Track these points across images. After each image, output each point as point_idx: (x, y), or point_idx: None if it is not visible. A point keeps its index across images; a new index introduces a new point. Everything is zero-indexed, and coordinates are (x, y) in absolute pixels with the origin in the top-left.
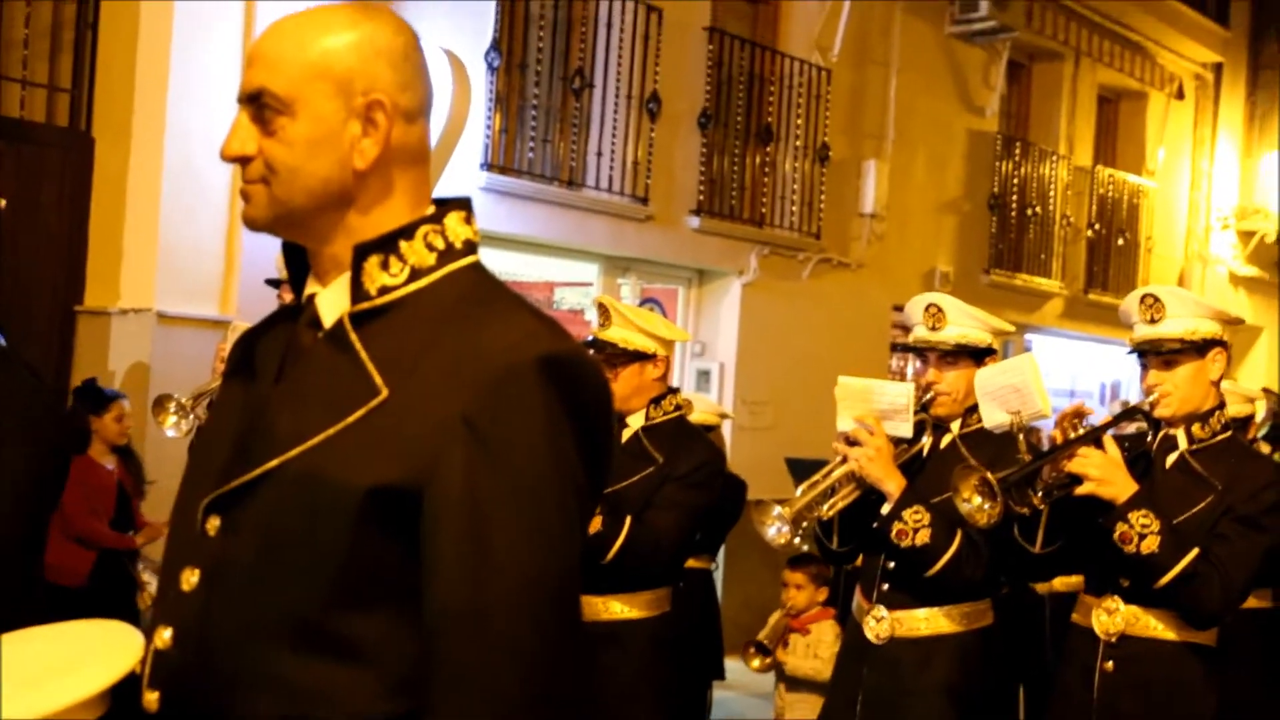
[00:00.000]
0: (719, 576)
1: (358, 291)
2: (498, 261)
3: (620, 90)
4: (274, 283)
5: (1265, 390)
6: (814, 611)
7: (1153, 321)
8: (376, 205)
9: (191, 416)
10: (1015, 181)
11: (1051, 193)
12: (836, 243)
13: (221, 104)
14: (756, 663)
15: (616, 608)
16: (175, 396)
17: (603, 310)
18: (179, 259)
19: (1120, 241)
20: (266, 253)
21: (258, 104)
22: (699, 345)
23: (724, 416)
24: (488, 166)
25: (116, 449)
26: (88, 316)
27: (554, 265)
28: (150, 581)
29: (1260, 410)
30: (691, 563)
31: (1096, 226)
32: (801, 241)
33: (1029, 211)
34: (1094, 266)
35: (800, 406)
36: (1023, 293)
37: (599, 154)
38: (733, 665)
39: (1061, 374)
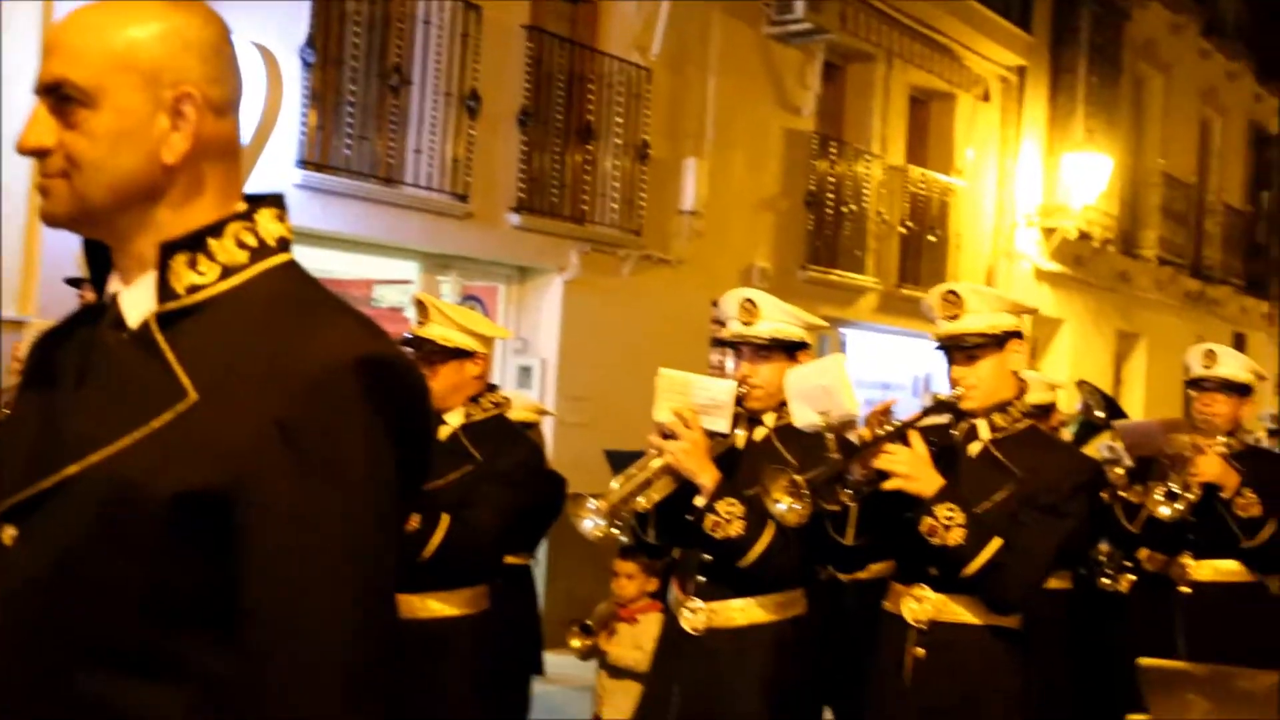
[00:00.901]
0: (540, 573)
1: (165, 291)
2: (315, 259)
3: (439, 87)
4: (75, 282)
5: (1080, 383)
6: (643, 602)
7: (953, 318)
8: (185, 202)
9: None
10: (831, 180)
11: (866, 191)
12: (657, 240)
13: (17, 97)
14: (577, 642)
15: (435, 605)
16: None
17: (421, 307)
18: None
19: (931, 238)
20: (68, 250)
21: (57, 95)
22: (520, 342)
23: (543, 413)
24: (303, 163)
25: None
26: None
27: (373, 263)
28: None
29: (1064, 399)
30: (510, 559)
31: (909, 224)
32: (622, 239)
33: (844, 209)
34: (906, 262)
35: (622, 402)
36: (838, 288)
37: (417, 151)
38: (555, 660)
39: (876, 367)
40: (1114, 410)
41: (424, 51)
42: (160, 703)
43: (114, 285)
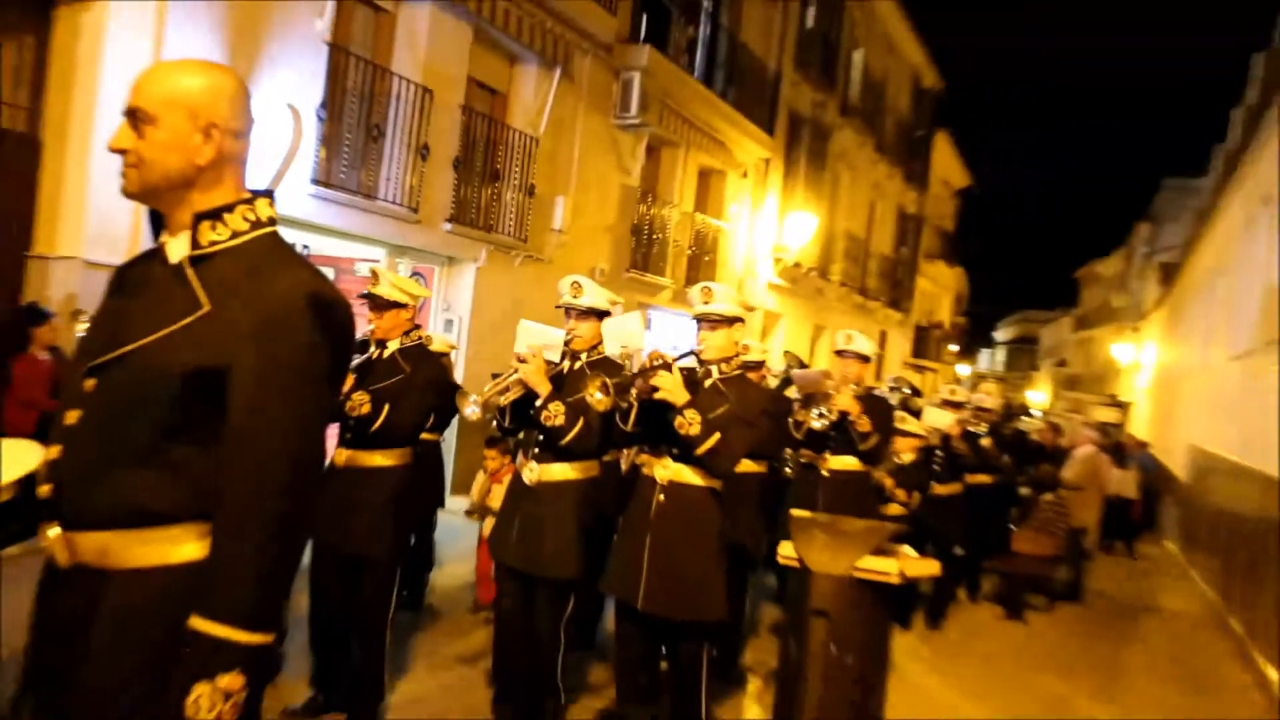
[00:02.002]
0: (449, 448)
1: (194, 243)
2: (322, 244)
3: (403, 140)
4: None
5: (786, 352)
6: (504, 470)
7: (706, 303)
8: (209, 189)
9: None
10: (647, 218)
11: (668, 226)
12: (536, 246)
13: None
14: (473, 515)
15: (378, 459)
16: (84, 310)
17: (374, 275)
18: (100, 224)
19: (707, 259)
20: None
21: (134, 116)
22: (447, 304)
23: (453, 348)
24: (316, 182)
25: (50, 348)
26: (35, 260)
27: (356, 248)
28: None
29: (777, 362)
30: (427, 436)
31: (693, 248)
32: (514, 244)
33: (655, 236)
34: (691, 272)
35: (508, 344)
36: (648, 285)
37: (388, 179)
38: (454, 502)
39: (668, 336)
40: (804, 368)
41: (395, 116)
42: (168, 486)
43: (164, 237)
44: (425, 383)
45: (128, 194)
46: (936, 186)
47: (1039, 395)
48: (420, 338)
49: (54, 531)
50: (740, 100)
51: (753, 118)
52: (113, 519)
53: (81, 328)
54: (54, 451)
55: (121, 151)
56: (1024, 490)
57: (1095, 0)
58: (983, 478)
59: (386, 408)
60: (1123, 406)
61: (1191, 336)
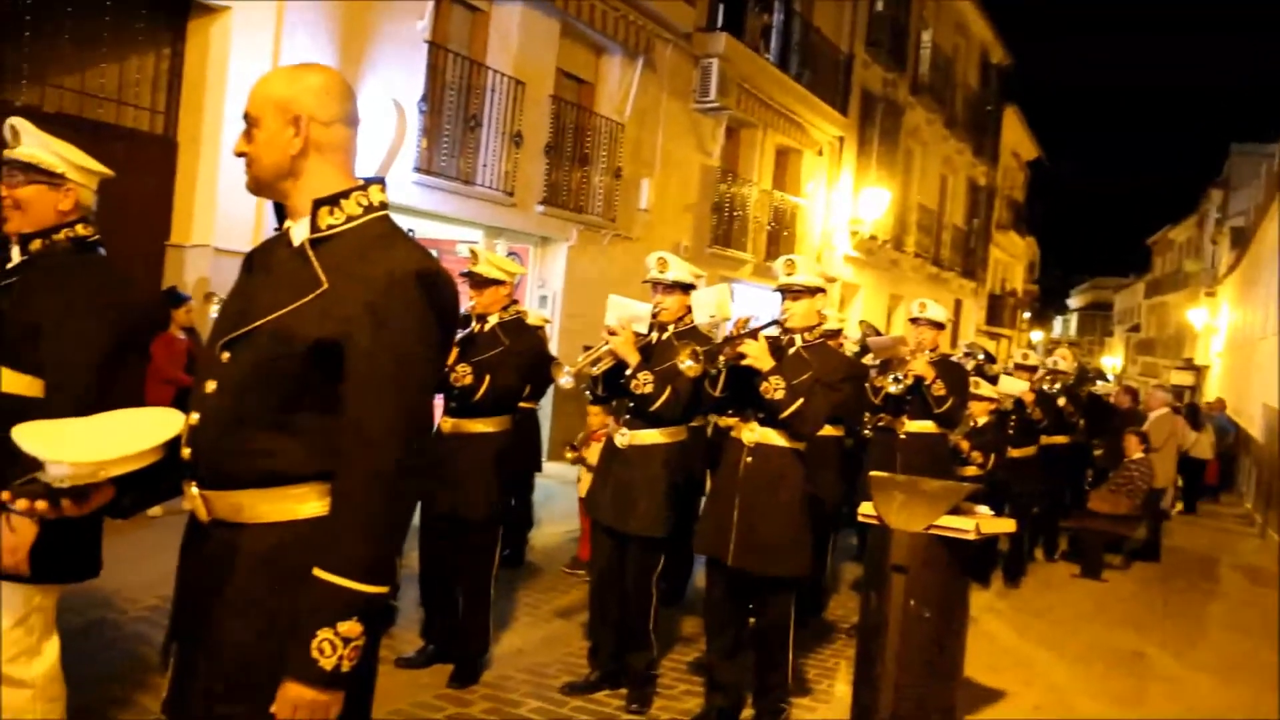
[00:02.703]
0: (546, 415)
1: (314, 227)
2: (424, 227)
3: (498, 129)
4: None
5: (862, 322)
6: (603, 430)
7: (789, 275)
8: (310, 176)
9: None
10: (728, 196)
11: (748, 204)
12: (624, 225)
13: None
14: (569, 454)
15: (480, 426)
16: (216, 294)
17: (473, 254)
18: (227, 214)
19: (785, 233)
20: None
21: (247, 122)
22: (541, 281)
23: (547, 321)
24: (418, 170)
25: (186, 328)
26: (173, 249)
27: (456, 230)
28: None
29: (855, 330)
30: (524, 404)
31: (772, 224)
32: (603, 224)
33: (735, 214)
34: (770, 246)
35: (598, 318)
36: (730, 260)
37: (484, 165)
38: (553, 467)
39: (749, 307)
40: (879, 335)
41: (490, 107)
42: (294, 449)
43: (286, 223)
44: (523, 354)
45: (250, 191)
46: (1006, 159)
47: (1113, 360)
48: (518, 312)
49: (194, 490)
50: (814, 82)
51: (826, 98)
52: (244, 479)
53: (215, 309)
54: (194, 418)
55: (241, 155)
56: (1098, 453)
57: None
58: (1058, 439)
59: (488, 378)
60: (1198, 370)
61: (1266, 300)
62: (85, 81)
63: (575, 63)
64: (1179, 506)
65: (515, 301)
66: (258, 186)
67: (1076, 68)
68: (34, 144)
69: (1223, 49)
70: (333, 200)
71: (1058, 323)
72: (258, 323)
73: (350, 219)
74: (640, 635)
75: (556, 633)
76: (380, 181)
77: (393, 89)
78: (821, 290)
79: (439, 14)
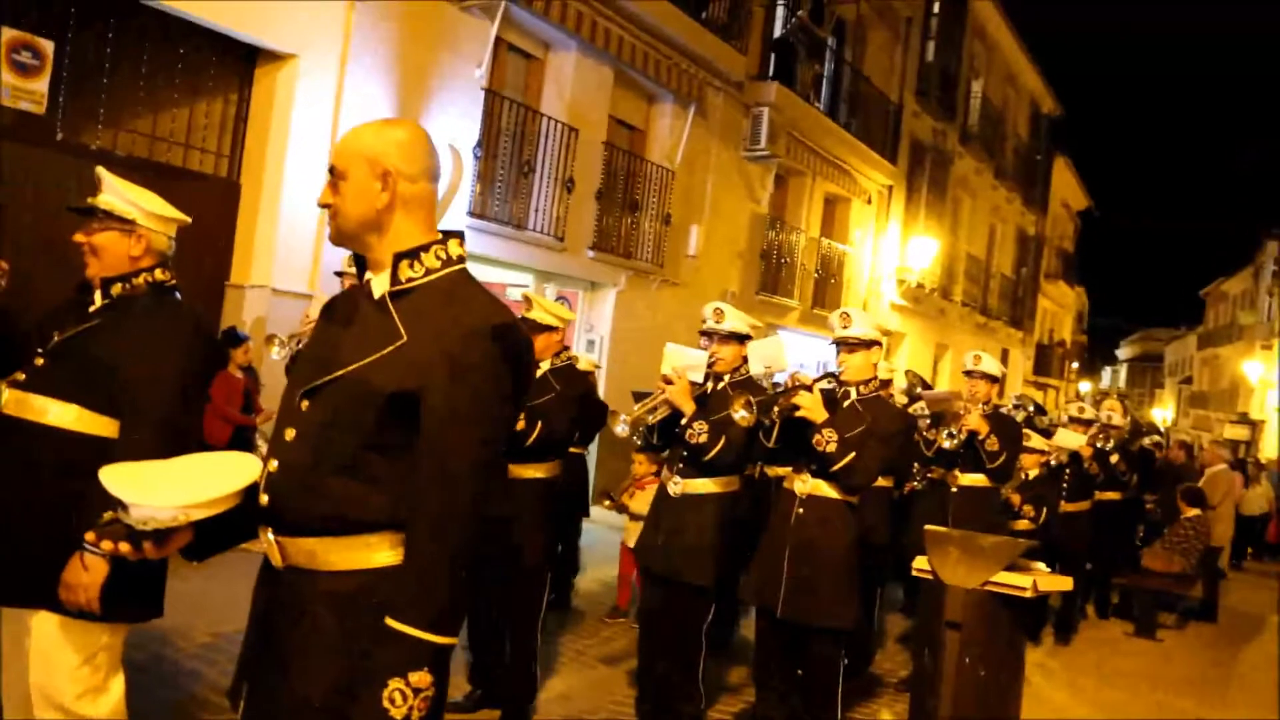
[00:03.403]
0: (592, 460)
1: (394, 280)
2: (477, 270)
3: (551, 175)
4: (339, 273)
5: (908, 372)
6: (649, 479)
7: (845, 327)
8: (394, 230)
9: (286, 348)
10: (776, 243)
11: (796, 251)
12: (672, 271)
13: (313, 167)
14: (606, 503)
15: (531, 471)
16: (277, 335)
17: (526, 301)
18: (286, 256)
19: (832, 280)
20: (335, 255)
21: (332, 174)
22: (590, 325)
23: (597, 367)
24: (471, 214)
25: (244, 367)
26: (232, 289)
27: (507, 274)
28: (261, 445)
29: (901, 380)
30: (573, 449)
31: (820, 271)
32: (652, 269)
33: (783, 260)
34: (818, 293)
35: (645, 363)
36: (777, 307)
37: (536, 211)
38: (597, 512)
39: (797, 354)
40: (927, 387)
41: (543, 153)
42: (370, 497)
43: (367, 275)
44: (574, 400)
45: (333, 242)
46: (1056, 208)
47: (1163, 413)
48: (569, 358)
49: (269, 536)
50: (863, 131)
51: (875, 147)
52: (320, 526)
53: (276, 351)
54: (272, 465)
55: (326, 206)
56: (1150, 507)
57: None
58: (1111, 494)
59: (539, 424)
60: (1253, 424)
61: None
62: (156, 126)
63: (627, 110)
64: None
65: (566, 347)
66: (341, 238)
67: (1128, 117)
68: (111, 192)
69: (1277, 95)
70: (413, 254)
71: (1106, 373)
72: (338, 373)
73: (429, 272)
74: (688, 684)
75: (603, 679)
76: (459, 235)
77: (450, 134)
78: (877, 343)
79: (496, 61)
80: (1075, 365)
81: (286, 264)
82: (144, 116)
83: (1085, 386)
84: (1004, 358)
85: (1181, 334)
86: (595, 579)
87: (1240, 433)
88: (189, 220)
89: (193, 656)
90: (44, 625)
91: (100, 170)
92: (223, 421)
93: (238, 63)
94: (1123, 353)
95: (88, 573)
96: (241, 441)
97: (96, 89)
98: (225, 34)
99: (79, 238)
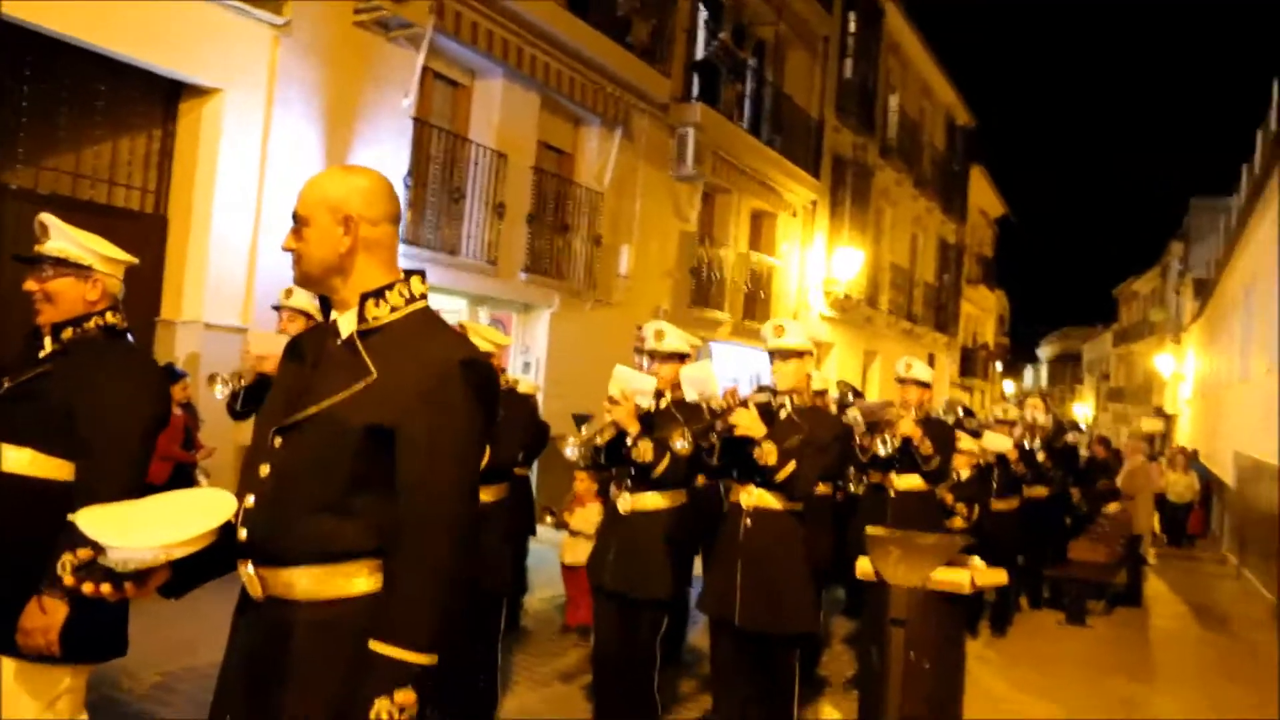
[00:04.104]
0: (534, 479)
1: (361, 319)
2: None
3: (481, 200)
4: (275, 307)
5: (840, 381)
6: (589, 495)
7: (778, 338)
8: (362, 271)
9: (228, 386)
10: (706, 259)
11: (725, 266)
12: (605, 291)
13: (242, 200)
14: (549, 519)
15: (482, 495)
16: (219, 374)
17: (460, 328)
18: (218, 290)
19: (761, 294)
20: (270, 288)
21: (296, 221)
22: (525, 347)
23: (538, 389)
24: (404, 241)
25: (182, 404)
26: (163, 324)
27: (442, 300)
28: (202, 480)
29: (834, 390)
30: (518, 471)
31: (749, 284)
32: (584, 290)
33: (713, 276)
34: (748, 307)
35: (581, 383)
36: (709, 321)
37: (468, 236)
38: (542, 531)
39: (730, 367)
40: (859, 395)
41: (473, 180)
42: (346, 528)
43: (334, 315)
44: (517, 423)
45: (298, 284)
46: (975, 216)
47: (1084, 409)
48: (507, 382)
49: (248, 569)
50: (787, 147)
51: (799, 163)
52: (299, 557)
53: (219, 389)
54: (249, 500)
55: (290, 250)
56: (1077, 501)
57: (1118, 30)
58: (1039, 490)
59: (488, 449)
60: (1168, 417)
61: (1230, 348)
62: (79, 163)
63: (555, 134)
64: (1153, 553)
65: (503, 371)
66: (306, 280)
67: (1039, 126)
68: (62, 238)
69: (1181, 104)
70: (378, 294)
71: (1029, 373)
72: (312, 410)
73: (394, 309)
74: (645, 697)
75: (559, 695)
76: (420, 273)
77: (379, 164)
78: (810, 352)
79: (423, 91)
80: (999, 366)
81: (218, 298)
82: (66, 154)
83: (1009, 386)
84: (930, 362)
85: (1098, 332)
86: (543, 598)
87: (1155, 425)
88: (137, 261)
89: (144, 698)
90: (3, 671)
91: (45, 216)
92: (162, 460)
93: (162, 97)
94: (1043, 352)
95: (47, 615)
96: (182, 478)
97: (15, 127)
98: (148, 69)
99: (30, 286)
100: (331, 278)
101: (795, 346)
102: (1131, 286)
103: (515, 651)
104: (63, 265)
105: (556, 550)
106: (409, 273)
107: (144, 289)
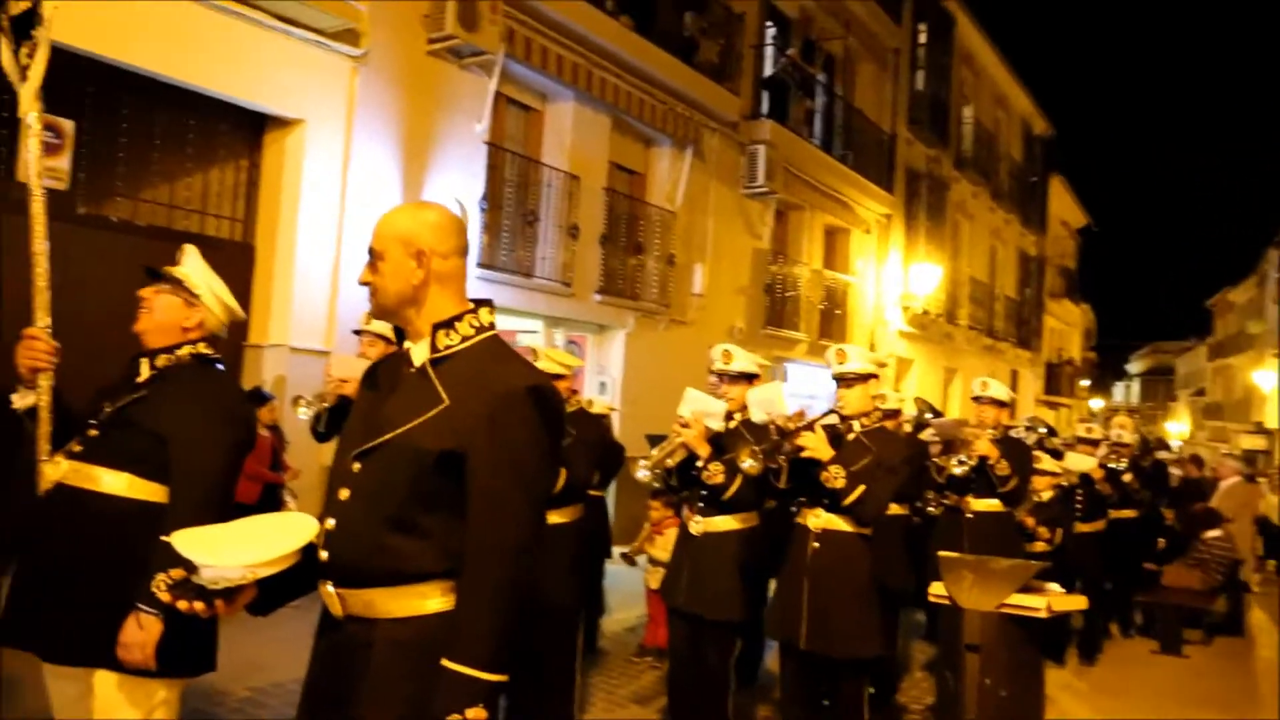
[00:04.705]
0: (611, 500)
1: (433, 348)
2: None
3: (555, 222)
4: (356, 331)
5: (917, 399)
6: (666, 523)
7: (840, 364)
8: (430, 303)
9: (312, 408)
10: (779, 277)
11: (800, 284)
12: (679, 310)
13: (324, 227)
14: (629, 562)
15: (555, 517)
16: (303, 396)
17: (533, 352)
18: (302, 315)
19: (837, 311)
20: (351, 315)
21: (371, 255)
22: (600, 368)
23: (613, 409)
24: (480, 265)
25: (269, 426)
26: (251, 349)
27: (518, 322)
28: (289, 501)
29: (910, 408)
30: (594, 493)
31: (825, 303)
32: (659, 309)
33: (787, 294)
34: (824, 325)
35: (656, 404)
36: (784, 340)
37: (543, 258)
38: (618, 549)
39: (805, 385)
40: (936, 414)
41: (547, 202)
42: (422, 549)
43: (407, 344)
44: (590, 444)
45: (375, 316)
46: (1055, 227)
47: (1178, 426)
48: (579, 403)
49: (329, 589)
50: (859, 162)
51: (871, 177)
52: (376, 578)
53: (302, 411)
54: (330, 523)
55: (366, 284)
56: (1171, 523)
57: (1202, 26)
58: (1126, 513)
59: (563, 470)
60: (1269, 433)
61: None
62: (173, 195)
63: (626, 155)
64: (1257, 578)
65: (575, 392)
66: (382, 312)
67: (1121, 133)
68: (191, 266)
69: (1274, 101)
70: (448, 324)
71: (1119, 389)
72: (387, 436)
73: (465, 339)
74: (720, 717)
75: (634, 717)
76: (489, 303)
77: (455, 189)
78: (874, 375)
79: (496, 116)
80: (1086, 383)
81: (302, 322)
82: (160, 186)
83: (1098, 403)
84: (1013, 379)
85: (1191, 346)
86: (620, 620)
87: (1257, 442)
88: (244, 317)
89: (234, 711)
90: (104, 684)
91: (188, 246)
92: (250, 480)
93: (247, 130)
94: (1133, 367)
95: (143, 631)
96: (271, 498)
97: (114, 162)
98: (234, 103)
99: (144, 292)
100: (406, 309)
101: (859, 370)
102: (1227, 297)
103: (593, 673)
104: (176, 284)
105: (633, 572)
106: (478, 303)
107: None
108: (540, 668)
